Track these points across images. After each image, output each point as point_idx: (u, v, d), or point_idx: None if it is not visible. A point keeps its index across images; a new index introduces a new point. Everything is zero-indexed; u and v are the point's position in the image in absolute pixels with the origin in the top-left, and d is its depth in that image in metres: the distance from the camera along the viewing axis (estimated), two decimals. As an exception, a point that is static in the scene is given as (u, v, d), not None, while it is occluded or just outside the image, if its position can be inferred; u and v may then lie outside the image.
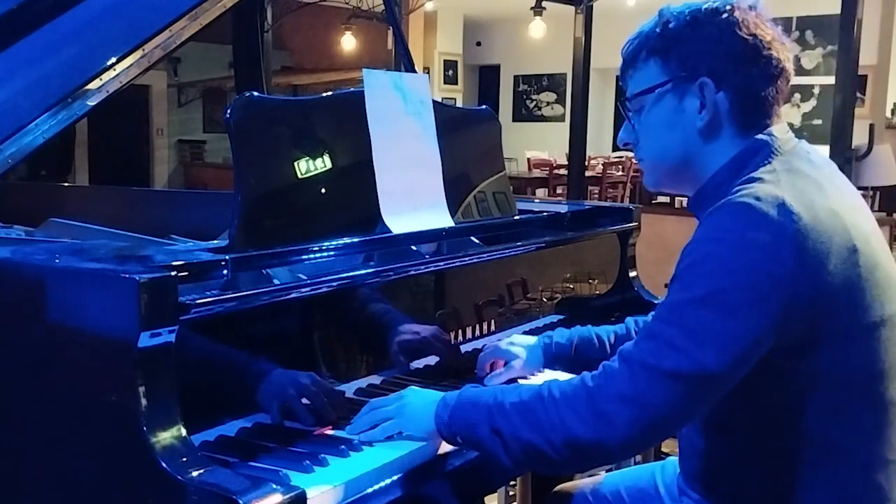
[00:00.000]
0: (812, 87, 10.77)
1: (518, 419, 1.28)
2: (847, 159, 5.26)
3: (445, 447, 1.41)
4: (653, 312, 1.78)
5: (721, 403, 1.27)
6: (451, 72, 12.40)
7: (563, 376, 1.77)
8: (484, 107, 2.23)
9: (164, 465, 1.12)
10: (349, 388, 1.60)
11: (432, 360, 1.77)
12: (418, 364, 1.73)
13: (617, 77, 1.51)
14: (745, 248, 1.20)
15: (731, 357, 1.20)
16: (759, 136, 1.35)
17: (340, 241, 1.59)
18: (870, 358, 1.28)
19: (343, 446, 1.35)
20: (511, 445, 1.29)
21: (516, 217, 2.13)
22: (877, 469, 1.30)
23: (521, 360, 1.74)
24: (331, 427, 1.43)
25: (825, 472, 1.29)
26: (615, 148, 13.22)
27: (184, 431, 1.18)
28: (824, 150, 5.45)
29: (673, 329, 1.22)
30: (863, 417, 1.29)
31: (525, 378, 1.79)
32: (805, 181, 1.28)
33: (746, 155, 1.34)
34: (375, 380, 1.65)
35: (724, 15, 1.34)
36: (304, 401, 1.45)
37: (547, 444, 1.26)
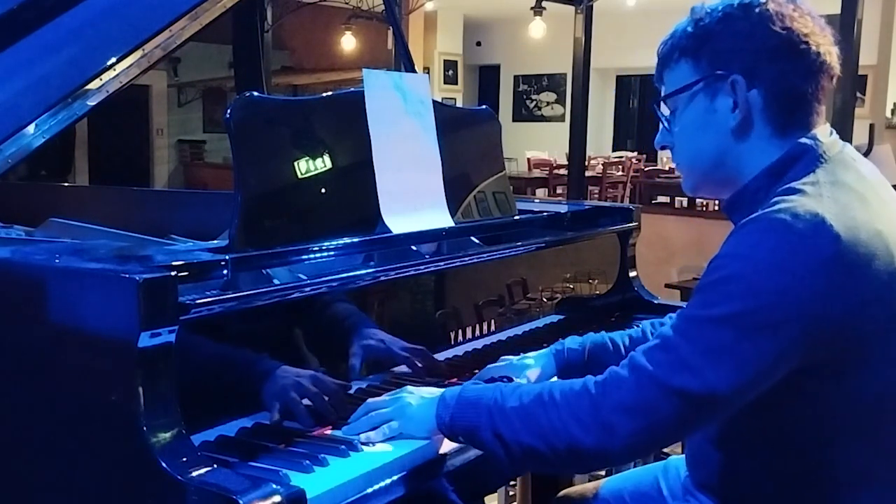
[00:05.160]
0: (812, 87, 10.73)
1: (519, 423, 1.27)
2: (847, 159, 5.25)
3: (445, 447, 1.41)
4: (670, 315, 1.78)
5: (744, 418, 1.24)
6: (451, 72, 12.39)
7: None
8: (484, 107, 2.23)
9: (164, 465, 1.12)
10: (350, 388, 1.59)
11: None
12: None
13: (617, 77, 1.50)
14: (774, 270, 1.15)
15: (744, 380, 1.17)
16: (803, 140, 1.29)
17: (340, 241, 1.59)
18: None
19: (343, 446, 1.35)
20: (512, 448, 1.28)
21: (516, 217, 2.13)
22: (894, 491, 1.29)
23: (535, 371, 1.67)
24: (330, 427, 1.43)
25: (849, 492, 1.27)
26: (615, 148, 13.25)
27: (184, 431, 1.18)
28: (824, 149, 5.45)
29: (689, 345, 1.18)
30: (890, 440, 1.27)
31: None
32: (850, 195, 1.22)
33: (788, 160, 1.28)
34: (375, 380, 1.65)
35: (757, 9, 1.28)
36: (306, 401, 1.44)
37: (548, 448, 1.24)
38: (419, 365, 1.70)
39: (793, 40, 1.27)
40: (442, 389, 1.41)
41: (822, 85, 1.30)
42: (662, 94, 1.40)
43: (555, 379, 1.70)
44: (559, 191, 10.24)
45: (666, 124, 1.40)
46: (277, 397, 1.42)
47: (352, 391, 1.59)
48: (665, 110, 1.40)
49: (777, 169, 1.29)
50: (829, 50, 1.30)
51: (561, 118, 13.11)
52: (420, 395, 1.42)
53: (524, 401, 1.29)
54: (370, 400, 1.45)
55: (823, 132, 1.31)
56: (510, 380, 1.65)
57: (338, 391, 1.51)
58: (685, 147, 1.39)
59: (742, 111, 1.30)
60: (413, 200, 1.79)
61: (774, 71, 1.28)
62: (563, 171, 9.73)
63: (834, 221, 1.16)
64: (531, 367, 1.69)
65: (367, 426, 1.40)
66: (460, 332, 1.86)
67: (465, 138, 2.08)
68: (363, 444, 1.37)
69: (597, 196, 10.17)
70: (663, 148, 1.44)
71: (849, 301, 1.16)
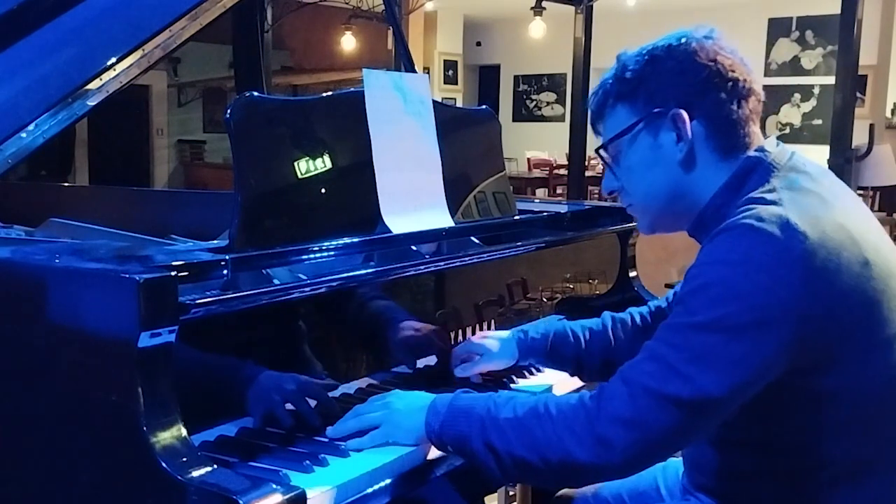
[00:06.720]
0: (812, 87, 10.76)
1: (513, 435, 1.27)
2: (847, 159, 5.26)
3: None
4: (639, 308, 1.79)
5: (737, 420, 1.25)
6: (451, 72, 12.40)
7: (554, 377, 1.78)
8: (484, 107, 2.23)
9: (164, 465, 1.12)
10: (350, 388, 1.60)
11: (431, 360, 1.76)
12: (418, 364, 1.73)
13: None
14: (750, 271, 1.17)
15: (735, 382, 1.18)
16: (752, 154, 1.34)
17: (340, 241, 1.59)
18: (890, 371, 1.25)
19: (343, 446, 1.35)
20: (505, 461, 1.27)
21: (516, 217, 2.13)
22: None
23: (494, 348, 1.73)
24: None
25: (846, 487, 1.27)
26: (615, 148, 13.22)
27: (184, 431, 1.18)
28: (824, 150, 5.47)
29: (676, 353, 1.20)
30: (885, 432, 1.28)
31: (519, 375, 1.79)
32: (808, 197, 1.26)
33: (742, 174, 1.33)
34: (376, 380, 1.65)
35: (681, 47, 1.35)
36: (289, 406, 1.43)
37: (542, 462, 1.24)
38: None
39: (720, 71, 1.34)
40: (433, 395, 1.40)
41: (753, 108, 1.36)
42: (602, 140, 1.44)
43: (533, 371, 1.75)
44: (559, 191, 10.26)
45: (611, 169, 1.45)
46: (262, 402, 1.41)
47: (352, 392, 1.59)
48: (608, 158, 1.44)
49: (734, 184, 1.33)
50: (752, 78, 1.36)
51: (561, 118, 13.11)
52: (409, 402, 1.41)
53: (518, 412, 1.29)
54: (358, 406, 1.44)
55: (770, 144, 1.36)
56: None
57: (321, 396, 1.49)
58: (637, 186, 1.43)
59: (686, 143, 1.35)
60: (413, 200, 1.79)
61: (709, 101, 1.34)
62: (563, 171, 9.74)
63: (798, 221, 1.20)
64: (492, 349, 1.72)
65: (354, 429, 1.39)
66: (460, 332, 1.86)
67: (465, 138, 2.08)
68: (352, 450, 1.35)
69: (597, 196, 10.16)
70: (611, 192, 1.49)
71: (827, 294, 1.18)
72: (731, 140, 1.35)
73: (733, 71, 1.34)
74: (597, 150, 1.46)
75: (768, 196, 1.26)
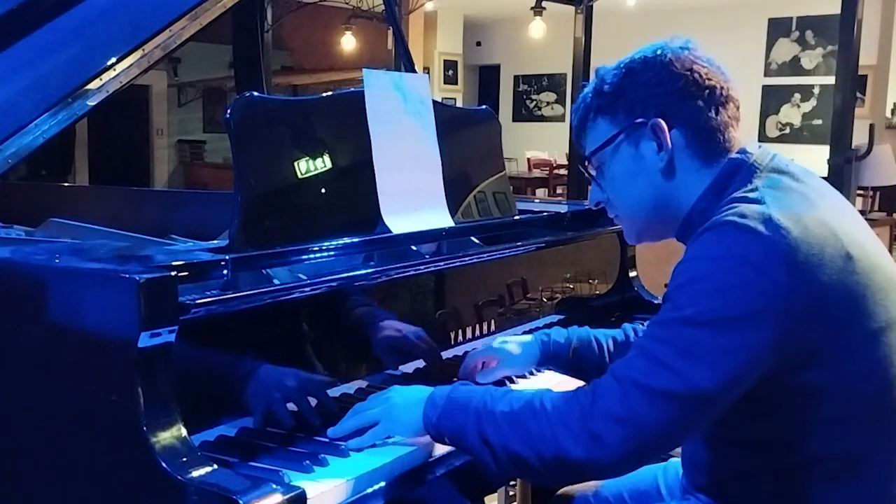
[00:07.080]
0: (812, 87, 10.76)
1: (508, 430, 1.27)
2: (847, 159, 5.27)
3: (444, 448, 1.41)
4: (636, 327, 1.79)
5: (731, 418, 1.25)
6: (451, 72, 12.40)
7: (553, 380, 1.77)
8: (484, 107, 2.23)
9: (164, 465, 1.13)
10: (350, 388, 1.60)
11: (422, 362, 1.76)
12: (414, 365, 1.73)
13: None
14: (735, 265, 1.19)
15: (725, 375, 1.19)
16: (734, 156, 1.36)
17: (340, 241, 1.59)
18: (879, 364, 1.26)
19: (343, 446, 1.35)
20: (499, 455, 1.28)
21: (516, 217, 2.13)
22: (894, 480, 1.29)
23: (515, 352, 1.71)
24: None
25: (840, 484, 1.27)
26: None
27: (184, 431, 1.18)
28: (824, 150, 5.47)
29: (665, 348, 1.21)
30: (877, 427, 1.28)
31: (520, 376, 1.78)
32: (790, 195, 1.28)
33: (726, 176, 1.35)
34: (377, 380, 1.65)
35: (657, 59, 1.37)
36: (291, 405, 1.43)
37: (536, 458, 1.25)
38: (427, 361, 1.72)
39: (696, 80, 1.36)
40: (431, 388, 1.41)
41: (731, 114, 1.38)
42: (586, 153, 1.46)
43: (534, 371, 1.73)
44: (559, 191, 10.26)
45: (596, 182, 1.47)
46: (261, 401, 1.41)
47: (352, 392, 1.59)
48: (592, 170, 1.47)
49: (717, 187, 1.35)
50: (729, 85, 1.38)
51: (561, 118, 13.10)
52: (408, 395, 1.41)
53: (514, 406, 1.29)
54: (359, 404, 1.45)
55: (752, 146, 1.38)
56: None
57: (321, 395, 1.49)
58: (622, 197, 1.45)
59: (667, 152, 1.37)
60: (413, 200, 1.79)
61: (687, 109, 1.36)
62: (563, 171, 9.75)
63: (780, 217, 1.21)
64: (514, 354, 1.70)
65: (354, 427, 1.40)
66: (460, 332, 1.86)
67: (465, 138, 2.08)
68: (351, 449, 1.36)
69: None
70: (598, 204, 1.51)
71: (811, 288, 1.20)
72: (711, 146, 1.37)
73: (710, 79, 1.36)
74: (580, 165, 1.48)
75: (751, 195, 1.28)
